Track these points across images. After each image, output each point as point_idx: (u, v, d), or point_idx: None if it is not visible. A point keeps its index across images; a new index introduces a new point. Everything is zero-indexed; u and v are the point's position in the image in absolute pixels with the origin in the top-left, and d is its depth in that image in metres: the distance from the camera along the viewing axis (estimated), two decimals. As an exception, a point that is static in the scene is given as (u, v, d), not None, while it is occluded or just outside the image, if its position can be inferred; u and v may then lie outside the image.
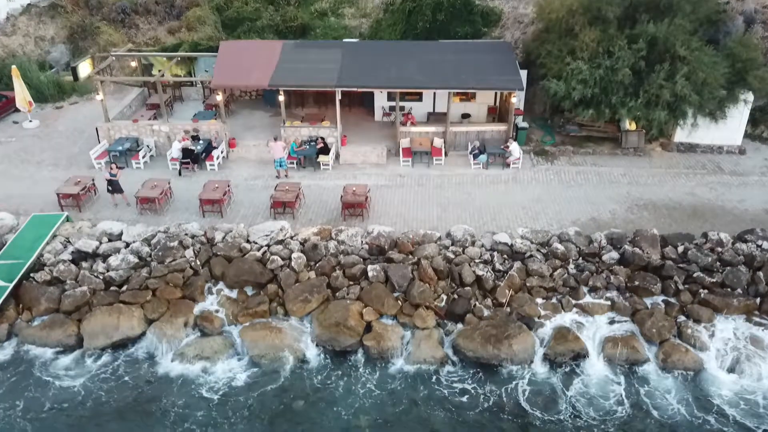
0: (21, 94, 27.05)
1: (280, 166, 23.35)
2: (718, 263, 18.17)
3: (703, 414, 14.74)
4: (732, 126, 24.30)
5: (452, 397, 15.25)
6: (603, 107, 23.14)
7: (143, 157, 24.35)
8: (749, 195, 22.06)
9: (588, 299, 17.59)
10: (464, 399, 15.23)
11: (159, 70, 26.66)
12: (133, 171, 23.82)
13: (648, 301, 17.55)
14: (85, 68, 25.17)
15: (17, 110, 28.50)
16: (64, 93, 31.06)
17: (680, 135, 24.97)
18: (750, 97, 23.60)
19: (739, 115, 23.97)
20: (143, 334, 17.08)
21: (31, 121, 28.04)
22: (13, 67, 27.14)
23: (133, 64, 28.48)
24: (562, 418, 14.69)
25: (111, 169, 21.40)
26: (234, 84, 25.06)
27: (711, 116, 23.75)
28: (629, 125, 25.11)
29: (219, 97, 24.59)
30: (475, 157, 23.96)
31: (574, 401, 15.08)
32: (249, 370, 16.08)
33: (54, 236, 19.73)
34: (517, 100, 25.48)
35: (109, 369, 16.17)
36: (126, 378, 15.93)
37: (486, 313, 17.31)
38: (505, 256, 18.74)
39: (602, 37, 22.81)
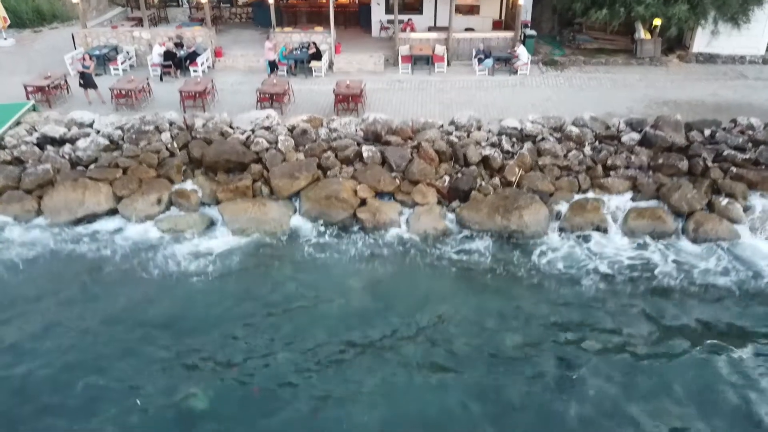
0: (-5, 8, 25.37)
1: (272, 70, 21.57)
2: (749, 144, 16.41)
3: (739, 282, 12.95)
4: (755, 33, 22.60)
5: (455, 266, 13.47)
6: (617, 6, 21.46)
7: (122, 63, 22.58)
8: (777, 96, 20.37)
9: (607, 178, 15.76)
10: (468, 267, 13.46)
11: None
12: (111, 78, 22.04)
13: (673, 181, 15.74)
14: (60, -34, 23.57)
15: (-7, 35, 26.80)
16: (44, 19, 29.42)
17: (699, 44, 23.29)
18: (776, -2, 21.92)
19: (763, 18, 22.25)
20: (111, 211, 15.24)
21: (6, 39, 26.26)
22: (-14, -22, 25.45)
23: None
24: (579, 286, 12.90)
25: (84, 60, 19.63)
26: (220, -20, 23.34)
27: (733, 21, 22.08)
28: (644, 34, 23.43)
29: (204, -1, 22.89)
30: (480, 62, 22.23)
31: (592, 271, 13.28)
32: (228, 244, 14.25)
33: (18, 123, 17.95)
34: (525, 10, 23.86)
35: (71, 239, 14.31)
36: (90, 249, 14.10)
37: (493, 191, 15.50)
38: (515, 139, 16.98)
39: (617, -70, 21.16)
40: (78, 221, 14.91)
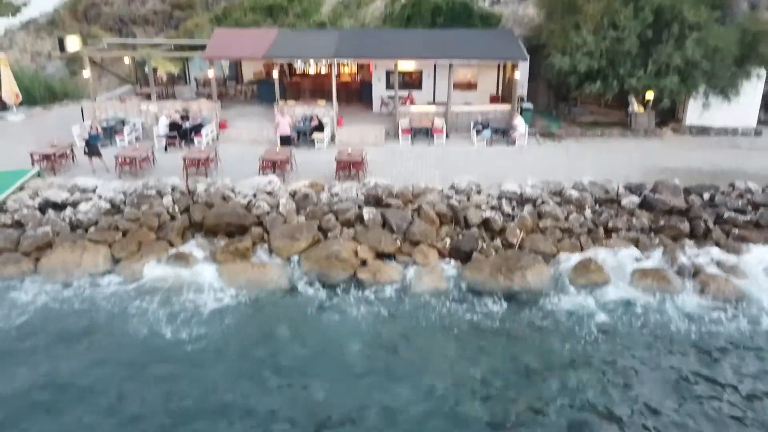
0: (8, 84, 26.16)
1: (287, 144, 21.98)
2: (749, 207, 16.48)
3: (753, 339, 12.55)
4: (745, 103, 23.28)
5: (458, 325, 13.07)
6: (611, 79, 22.18)
7: (128, 134, 23.07)
8: (773, 163, 20.67)
9: (609, 239, 15.69)
10: (471, 326, 13.05)
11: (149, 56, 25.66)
12: (117, 149, 22.43)
13: (676, 243, 15.66)
14: (73, 43, 24.40)
15: (5, 108, 27.58)
16: (56, 97, 30.32)
17: (691, 117, 23.94)
18: (762, 72, 22.72)
19: (752, 91, 22.99)
20: (109, 272, 15.05)
21: (16, 114, 26.98)
22: (2, 56, 26.43)
23: (126, 60, 27.96)
24: (584, 347, 12.41)
25: (91, 129, 20.08)
26: (228, 55, 24.29)
27: (723, 93, 22.78)
28: (637, 107, 24.11)
29: (211, 73, 23.68)
30: (478, 133, 22.73)
31: (599, 331, 12.84)
32: (225, 303, 13.92)
33: (21, 188, 18.12)
34: (521, 86, 24.68)
35: (65, 298, 14.01)
36: (83, 308, 13.75)
37: (495, 254, 15.38)
38: (515, 202, 17.06)
39: (606, 9, 22.17)
40: (73, 281, 14.65)
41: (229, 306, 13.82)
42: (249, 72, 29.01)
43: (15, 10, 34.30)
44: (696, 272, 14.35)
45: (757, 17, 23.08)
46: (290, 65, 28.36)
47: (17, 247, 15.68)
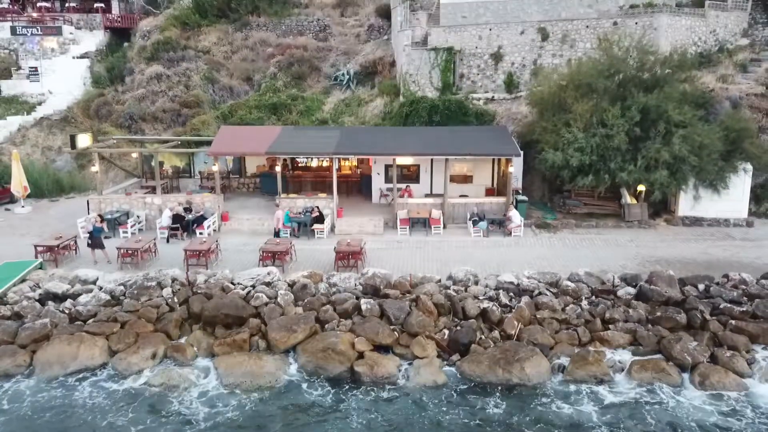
0: (18, 177, 26.88)
1: (277, 236, 22.42)
2: (744, 298, 16.57)
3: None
4: (735, 197, 23.83)
5: (456, 424, 12.83)
6: (602, 173, 22.87)
7: (132, 226, 23.52)
8: (766, 254, 20.87)
9: (606, 331, 15.69)
10: (469, 426, 12.79)
11: (156, 148, 26.62)
12: (119, 240, 22.81)
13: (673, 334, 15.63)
14: (84, 140, 25.33)
15: (13, 201, 28.32)
16: (63, 190, 31.06)
17: (683, 208, 24.43)
18: (748, 166, 23.46)
19: (741, 184, 23.60)
20: (104, 365, 14.97)
21: (23, 207, 27.59)
22: (14, 151, 27.41)
23: (134, 155, 28.96)
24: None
25: (96, 221, 20.53)
26: (231, 151, 25.12)
27: (712, 187, 23.42)
28: (630, 199, 24.68)
29: (215, 168, 24.46)
30: (475, 224, 23.18)
31: (599, 425, 12.63)
32: (222, 398, 13.79)
33: (23, 280, 18.30)
34: (516, 179, 25.41)
35: (59, 396, 13.82)
36: (77, 406, 13.54)
37: (493, 345, 15.34)
38: (512, 294, 17.19)
39: (595, 108, 23.23)
40: (68, 375, 14.52)
41: (223, 401, 13.66)
42: (252, 166, 29.91)
43: (30, 109, 35.81)
44: (695, 364, 14.24)
45: (739, 115, 24.08)
46: (293, 159, 29.28)
47: (14, 340, 15.68)
